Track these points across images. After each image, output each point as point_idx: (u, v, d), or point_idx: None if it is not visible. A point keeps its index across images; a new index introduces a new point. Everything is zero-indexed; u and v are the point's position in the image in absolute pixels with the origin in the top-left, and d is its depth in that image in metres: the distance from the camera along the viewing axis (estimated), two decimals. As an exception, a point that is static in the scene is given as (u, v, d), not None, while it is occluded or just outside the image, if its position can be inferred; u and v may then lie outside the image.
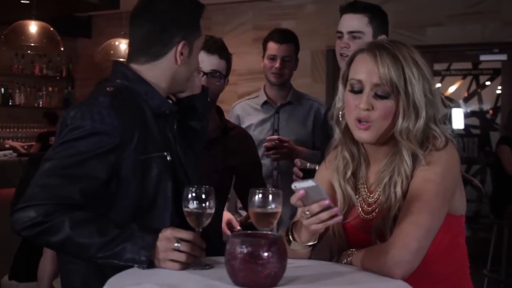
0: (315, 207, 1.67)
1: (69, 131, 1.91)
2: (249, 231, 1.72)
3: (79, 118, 1.92)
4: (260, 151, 3.47)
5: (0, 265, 4.43)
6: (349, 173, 1.97)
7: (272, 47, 3.63)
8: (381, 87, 1.83)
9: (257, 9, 7.39)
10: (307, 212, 1.69)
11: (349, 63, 1.93)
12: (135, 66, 2.11)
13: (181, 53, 2.09)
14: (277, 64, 3.59)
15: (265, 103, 3.69)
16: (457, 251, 1.95)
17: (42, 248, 4.27)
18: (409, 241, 1.71)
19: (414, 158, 1.84)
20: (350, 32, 2.77)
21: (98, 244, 1.80)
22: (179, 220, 2.01)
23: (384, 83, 1.82)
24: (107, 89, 2.01)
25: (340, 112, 1.95)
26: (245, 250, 1.56)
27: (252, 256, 1.55)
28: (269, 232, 1.72)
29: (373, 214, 1.91)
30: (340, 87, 1.95)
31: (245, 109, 3.73)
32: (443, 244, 1.86)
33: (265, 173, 3.45)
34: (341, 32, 2.81)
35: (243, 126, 3.59)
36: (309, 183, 1.67)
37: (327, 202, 1.66)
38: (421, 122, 1.83)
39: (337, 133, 1.98)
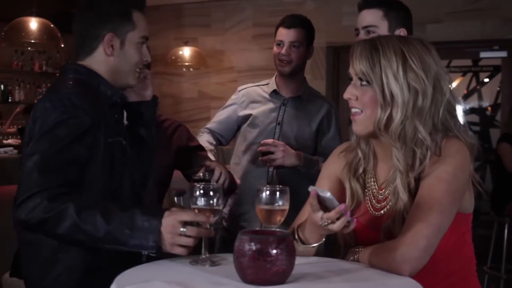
0: (333, 215, 1.69)
1: (44, 122, 1.99)
2: (257, 228, 1.73)
3: (50, 108, 2.02)
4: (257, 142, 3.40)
5: (1, 262, 4.43)
6: (360, 170, 1.99)
7: (280, 32, 3.45)
8: (359, 77, 1.88)
9: (257, 6, 7.38)
10: (329, 221, 1.71)
11: None
12: (81, 63, 2.23)
13: (111, 46, 2.19)
14: (283, 50, 3.39)
15: (274, 92, 3.50)
16: (464, 248, 1.95)
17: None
18: (419, 238, 1.72)
19: (422, 155, 1.85)
20: (365, 27, 2.70)
21: (104, 231, 1.85)
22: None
23: (358, 73, 1.87)
24: (66, 83, 2.14)
25: None
26: (254, 247, 1.56)
27: (261, 253, 1.56)
28: (277, 230, 1.72)
29: (383, 211, 1.92)
30: None
31: (253, 96, 3.55)
32: (451, 242, 1.86)
33: (260, 171, 3.39)
34: (357, 29, 2.75)
35: (247, 112, 3.48)
36: (324, 193, 1.70)
37: (343, 206, 1.68)
38: (399, 114, 1.83)
39: (352, 132, 2.00)
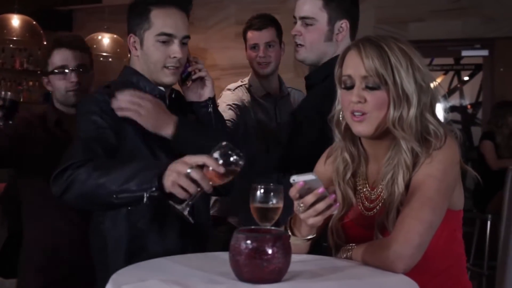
0: (309, 198, 1.69)
1: (78, 117, 2.25)
2: (252, 227, 1.72)
3: (81, 104, 2.29)
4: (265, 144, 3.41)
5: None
6: (349, 174, 1.99)
7: (252, 36, 3.47)
8: (370, 78, 1.85)
9: (240, 3, 7.37)
10: (302, 205, 1.71)
11: (341, 64, 1.95)
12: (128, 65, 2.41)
13: (134, 46, 2.33)
14: (260, 53, 3.43)
15: (266, 95, 3.52)
16: (455, 245, 1.97)
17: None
18: (412, 235, 1.73)
19: (416, 151, 1.86)
20: (302, 18, 2.54)
21: (115, 179, 1.95)
22: None
23: (372, 75, 1.84)
24: (103, 85, 2.34)
25: (340, 114, 1.97)
26: (250, 246, 1.56)
27: (257, 251, 1.55)
28: (273, 228, 1.72)
29: (375, 210, 1.92)
30: (338, 89, 1.97)
31: (247, 98, 3.51)
32: (442, 239, 1.88)
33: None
34: (295, 18, 2.59)
35: (249, 117, 3.44)
36: (309, 176, 1.69)
37: (321, 190, 1.68)
38: (413, 110, 1.84)
39: (337, 135, 2.00)
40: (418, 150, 1.84)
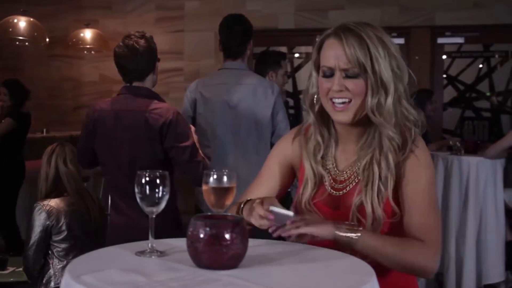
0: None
1: None
2: (209, 213, 1.72)
3: None
4: None
5: None
6: (320, 155, 2.02)
7: None
8: (350, 69, 1.88)
9: (160, -11, 7.29)
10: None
11: (319, 50, 1.97)
12: None
13: None
14: None
15: None
16: None
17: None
18: (439, 244, 1.87)
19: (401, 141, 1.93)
20: None
21: None
22: None
23: (353, 65, 1.88)
24: None
25: (315, 97, 2.00)
26: (209, 232, 1.56)
27: (216, 237, 1.55)
28: (228, 214, 1.72)
29: (345, 190, 1.96)
30: (313, 73, 2.00)
31: None
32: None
33: None
34: None
35: None
36: (289, 212, 1.77)
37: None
38: (390, 98, 1.90)
39: (311, 117, 2.02)
40: (395, 136, 1.91)
